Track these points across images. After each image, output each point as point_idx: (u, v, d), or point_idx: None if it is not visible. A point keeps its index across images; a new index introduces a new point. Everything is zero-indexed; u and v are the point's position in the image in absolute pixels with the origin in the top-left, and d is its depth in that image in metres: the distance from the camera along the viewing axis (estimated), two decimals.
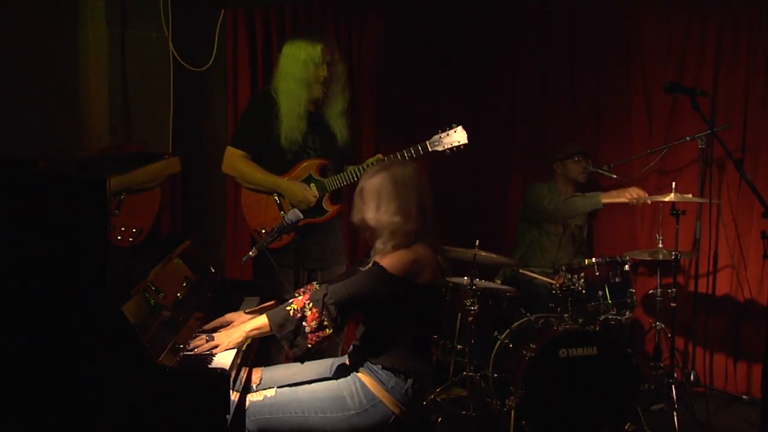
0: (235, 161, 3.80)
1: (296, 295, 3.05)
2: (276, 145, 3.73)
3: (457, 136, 3.69)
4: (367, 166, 3.69)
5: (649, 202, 4.37)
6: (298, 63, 3.69)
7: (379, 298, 2.68)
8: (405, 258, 2.69)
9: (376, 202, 2.75)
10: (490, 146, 5.14)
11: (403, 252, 2.71)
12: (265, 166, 3.78)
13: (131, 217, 2.81)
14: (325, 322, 2.61)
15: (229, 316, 2.99)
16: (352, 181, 3.71)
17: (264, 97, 3.80)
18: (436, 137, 3.70)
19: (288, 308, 2.65)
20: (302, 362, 2.75)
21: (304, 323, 2.61)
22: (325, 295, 2.63)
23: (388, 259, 2.70)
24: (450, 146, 3.70)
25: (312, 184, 3.76)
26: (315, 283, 3.13)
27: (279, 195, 3.77)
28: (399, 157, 3.65)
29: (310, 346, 2.62)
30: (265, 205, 3.79)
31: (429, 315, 2.81)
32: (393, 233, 2.72)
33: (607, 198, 4.47)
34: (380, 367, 2.73)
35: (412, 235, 2.73)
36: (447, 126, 3.71)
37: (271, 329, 2.66)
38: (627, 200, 4.41)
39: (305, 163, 3.78)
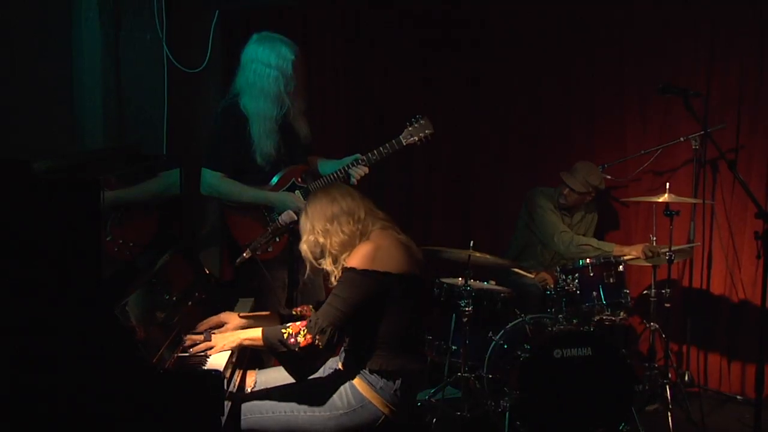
0: (215, 183, 3.67)
1: (293, 312, 3.09)
2: (252, 160, 3.64)
3: (425, 127, 3.67)
4: (347, 166, 3.68)
5: (664, 255, 4.22)
6: (269, 79, 3.57)
7: (368, 299, 2.70)
8: (366, 249, 2.73)
9: (307, 234, 2.85)
10: (485, 147, 5.15)
11: (361, 246, 2.76)
12: (247, 180, 3.68)
13: (131, 232, 2.83)
14: (317, 343, 2.65)
15: (224, 316, 3.02)
16: (344, 178, 3.69)
17: (232, 114, 3.64)
18: (406, 131, 3.66)
19: (283, 331, 2.69)
20: (299, 381, 2.77)
21: (296, 349, 2.65)
22: (317, 321, 2.67)
23: (353, 259, 2.74)
24: (420, 138, 3.67)
25: (297, 191, 3.71)
26: (311, 306, 3.13)
27: (266, 208, 3.70)
28: (377, 154, 3.65)
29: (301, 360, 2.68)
30: (253, 221, 3.71)
31: (411, 308, 2.80)
32: (333, 250, 2.80)
33: (620, 252, 4.38)
34: (368, 370, 2.75)
35: (355, 234, 2.79)
36: (413, 118, 3.68)
37: (264, 345, 2.72)
38: (641, 256, 4.34)
39: (286, 172, 3.72)
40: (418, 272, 2.84)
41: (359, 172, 3.66)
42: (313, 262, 2.87)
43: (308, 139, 3.83)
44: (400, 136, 3.67)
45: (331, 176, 3.70)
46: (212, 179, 3.68)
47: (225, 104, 3.73)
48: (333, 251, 2.80)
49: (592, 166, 4.63)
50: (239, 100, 3.65)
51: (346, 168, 3.67)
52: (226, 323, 2.99)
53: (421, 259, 2.89)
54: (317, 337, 2.64)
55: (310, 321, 2.69)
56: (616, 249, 4.43)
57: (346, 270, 2.73)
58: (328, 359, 2.84)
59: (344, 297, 2.68)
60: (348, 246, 2.79)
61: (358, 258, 2.72)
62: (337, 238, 2.79)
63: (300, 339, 2.65)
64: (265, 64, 3.58)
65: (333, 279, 2.83)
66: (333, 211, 2.80)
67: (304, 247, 2.86)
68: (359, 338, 2.80)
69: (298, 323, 2.71)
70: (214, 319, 3.00)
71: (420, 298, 2.86)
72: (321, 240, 2.81)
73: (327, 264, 2.84)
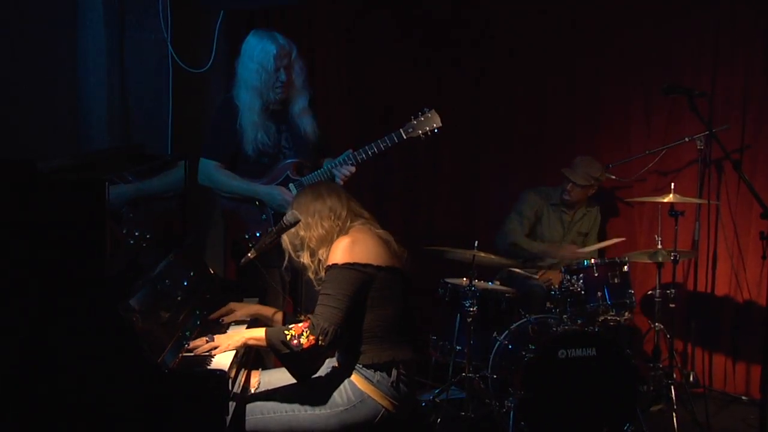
0: (210, 172, 3.73)
1: (297, 317, 3.10)
2: (244, 151, 3.68)
3: (431, 121, 3.62)
4: (340, 162, 3.67)
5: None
6: (251, 72, 3.62)
7: (357, 291, 2.73)
8: (344, 243, 2.80)
9: (302, 229, 2.90)
10: (489, 147, 5.15)
11: (339, 241, 2.82)
12: (242, 172, 3.72)
13: (144, 224, 2.85)
14: (320, 343, 2.67)
15: (231, 305, 3.13)
16: (329, 177, 3.69)
17: (227, 105, 3.73)
18: (409, 124, 3.63)
19: (286, 332, 2.71)
20: (300, 381, 2.79)
21: (299, 350, 2.68)
22: (318, 323, 2.69)
23: (333, 255, 2.79)
24: (425, 132, 3.63)
25: (290, 185, 3.70)
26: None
27: (259, 201, 3.71)
28: (375, 148, 3.63)
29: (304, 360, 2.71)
30: (245, 213, 3.73)
31: (396, 300, 2.83)
32: (312, 244, 2.87)
33: (547, 254, 4.64)
34: (362, 365, 2.78)
35: (334, 230, 2.85)
36: (419, 111, 3.64)
37: (267, 345, 2.75)
38: (560, 259, 4.50)
39: (281, 165, 3.73)
40: (398, 265, 2.88)
41: (344, 171, 3.66)
42: (293, 253, 2.94)
43: (311, 136, 3.82)
44: (401, 130, 3.64)
45: (325, 171, 3.70)
46: (207, 168, 3.75)
47: (224, 96, 3.83)
48: (311, 245, 2.87)
49: (592, 159, 4.65)
50: (233, 92, 3.73)
51: (331, 168, 3.68)
52: (234, 311, 3.11)
53: (402, 254, 2.93)
54: (320, 337, 2.67)
55: (311, 324, 2.70)
56: (548, 248, 4.61)
57: (330, 267, 2.77)
58: (327, 358, 2.86)
59: (335, 294, 2.71)
60: (325, 241, 2.85)
61: (338, 253, 2.77)
62: (315, 233, 2.86)
63: (303, 340, 2.67)
64: (249, 57, 3.65)
65: (310, 273, 2.89)
66: (317, 206, 2.89)
67: (285, 238, 2.93)
68: (350, 334, 2.80)
69: (300, 324, 2.73)
70: (223, 310, 3.10)
71: (405, 291, 2.89)
72: (302, 233, 2.88)
73: (305, 257, 2.90)
